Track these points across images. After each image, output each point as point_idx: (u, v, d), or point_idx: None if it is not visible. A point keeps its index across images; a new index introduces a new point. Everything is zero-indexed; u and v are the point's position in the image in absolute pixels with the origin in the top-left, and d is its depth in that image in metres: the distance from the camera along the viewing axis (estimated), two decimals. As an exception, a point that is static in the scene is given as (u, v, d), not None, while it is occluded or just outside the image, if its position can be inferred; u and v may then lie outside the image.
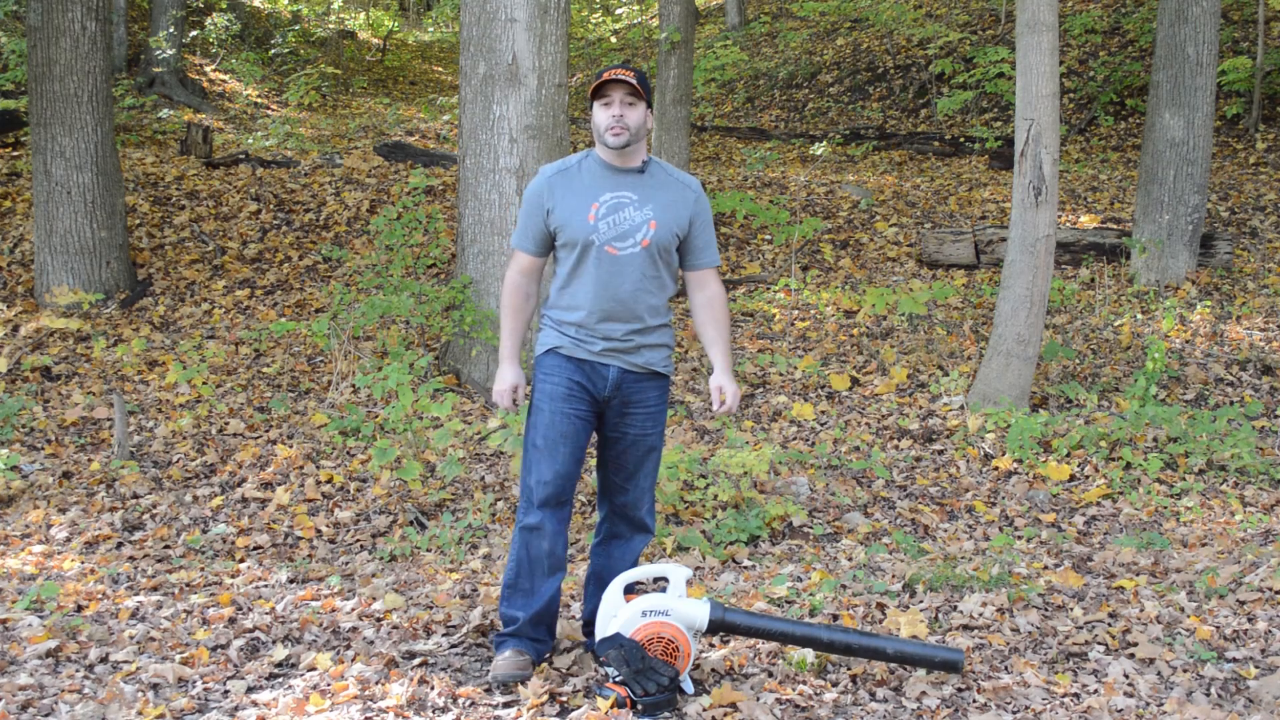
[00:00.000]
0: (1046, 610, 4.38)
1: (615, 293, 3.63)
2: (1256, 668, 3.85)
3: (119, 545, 5.37)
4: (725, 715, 3.46)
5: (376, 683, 3.65)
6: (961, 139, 14.46)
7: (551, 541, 3.68)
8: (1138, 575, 4.83)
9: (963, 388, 7.30)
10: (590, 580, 3.92)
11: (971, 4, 17.59)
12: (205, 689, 3.66)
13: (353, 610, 4.36)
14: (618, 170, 3.68)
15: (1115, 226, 10.30)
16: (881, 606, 4.41)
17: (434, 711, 3.49)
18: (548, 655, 3.81)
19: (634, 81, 3.59)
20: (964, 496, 6.15)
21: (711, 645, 4.00)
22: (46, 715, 3.45)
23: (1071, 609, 4.39)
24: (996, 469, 6.46)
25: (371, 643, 4.01)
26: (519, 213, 3.80)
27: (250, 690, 3.65)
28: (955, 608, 4.37)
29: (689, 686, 3.59)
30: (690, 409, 7.20)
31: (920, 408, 7.24)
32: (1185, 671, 3.83)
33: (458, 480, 6.04)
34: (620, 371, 3.67)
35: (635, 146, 3.66)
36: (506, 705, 3.52)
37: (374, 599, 4.49)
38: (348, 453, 6.41)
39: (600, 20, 21.91)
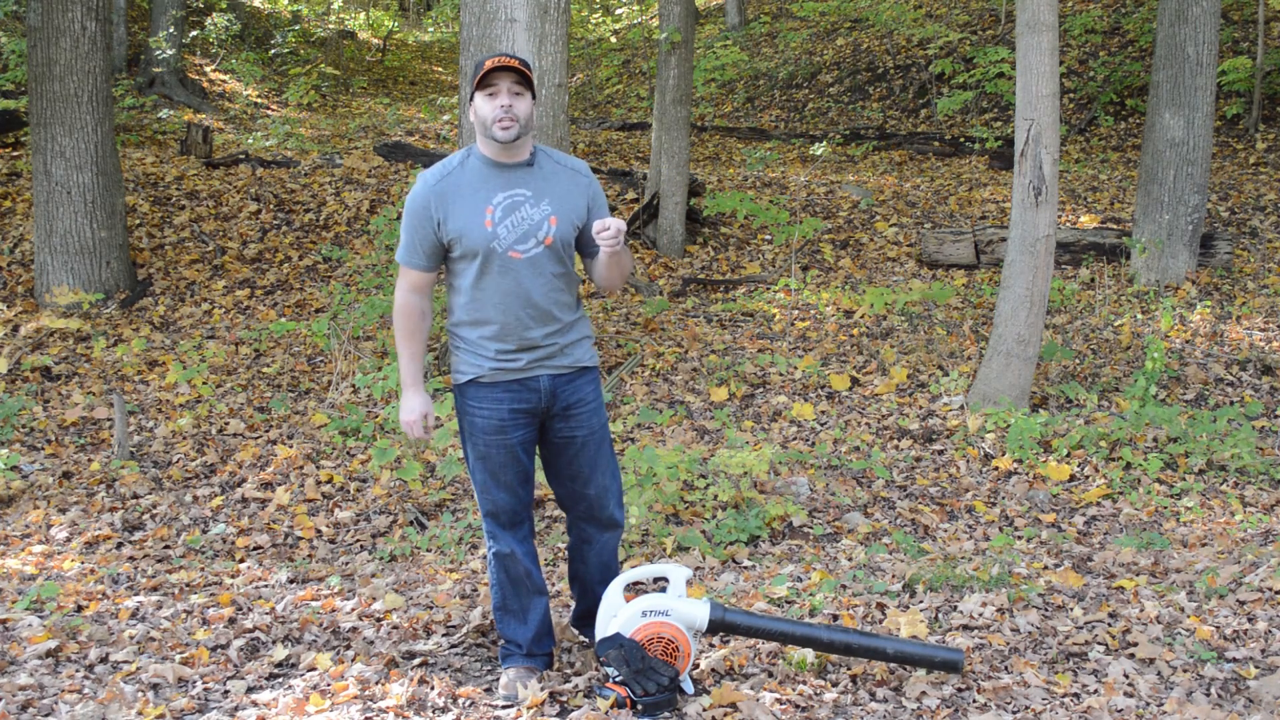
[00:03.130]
0: (1046, 610, 4.38)
1: (527, 298, 3.40)
2: (1256, 668, 3.85)
3: (119, 545, 5.37)
4: (725, 715, 3.46)
5: (376, 683, 3.65)
6: (961, 139, 14.47)
7: (525, 564, 3.61)
8: (1138, 575, 4.83)
9: (963, 388, 7.30)
10: (573, 583, 3.89)
11: (971, 4, 17.59)
12: (205, 689, 3.66)
13: (353, 610, 4.36)
14: (505, 167, 3.42)
15: (1115, 226, 10.30)
16: (881, 606, 4.41)
17: (434, 711, 3.49)
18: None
19: (521, 68, 3.34)
20: (964, 496, 6.15)
21: (711, 645, 4.00)
22: (46, 715, 3.45)
23: (1071, 609, 4.38)
24: (996, 469, 6.46)
25: (371, 643, 4.01)
26: (402, 226, 3.49)
27: (250, 690, 3.65)
28: (955, 608, 4.37)
29: (689, 686, 3.59)
30: (690, 409, 7.20)
31: (920, 408, 7.24)
32: (1185, 671, 3.83)
33: (457, 480, 6.04)
34: (551, 378, 3.50)
35: (523, 139, 3.41)
36: (506, 705, 3.52)
37: (374, 599, 4.49)
38: (348, 453, 6.41)
39: (600, 20, 21.91)
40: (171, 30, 14.99)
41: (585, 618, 3.88)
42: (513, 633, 3.67)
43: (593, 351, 3.62)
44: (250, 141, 13.50)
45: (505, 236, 3.38)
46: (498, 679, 3.69)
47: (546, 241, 3.41)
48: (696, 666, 3.77)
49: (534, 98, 3.42)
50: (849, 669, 3.80)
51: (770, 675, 3.75)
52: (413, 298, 3.50)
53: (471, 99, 3.39)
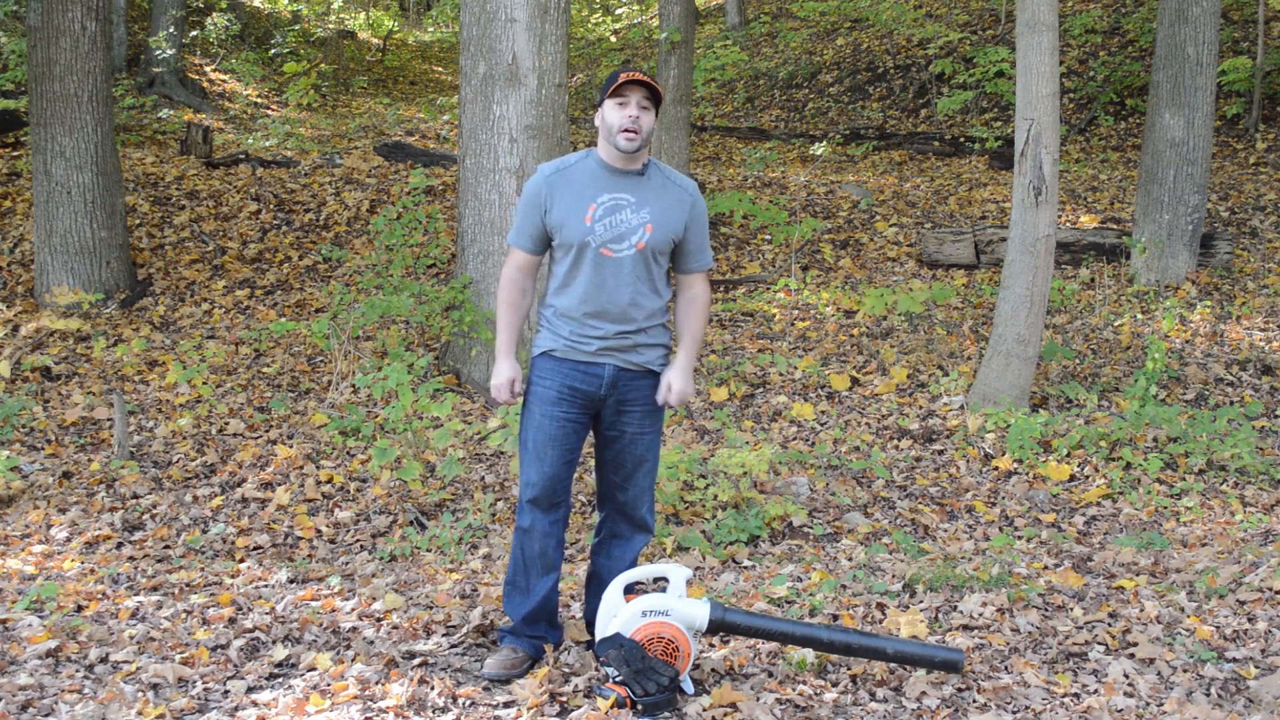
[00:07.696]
0: (1046, 610, 4.38)
1: (610, 294, 3.62)
2: (1256, 668, 3.85)
3: (119, 545, 5.37)
4: (725, 715, 3.46)
5: (376, 683, 3.65)
6: (961, 139, 14.46)
7: (542, 543, 3.73)
8: (1138, 575, 4.83)
9: (963, 388, 7.30)
10: (590, 580, 3.93)
11: (971, 4, 17.59)
12: (205, 689, 3.66)
13: (353, 610, 4.36)
14: (617, 172, 3.66)
15: (1115, 226, 10.30)
16: (881, 606, 4.41)
17: (434, 711, 3.49)
18: (556, 649, 3.81)
19: (654, 85, 3.62)
20: (964, 496, 6.15)
21: (711, 645, 4.00)
22: (46, 715, 3.45)
23: (1071, 609, 4.39)
24: (996, 469, 6.46)
25: (371, 643, 4.01)
26: (516, 210, 3.81)
27: (250, 690, 3.65)
28: (955, 608, 4.37)
29: (689, 686, 3.59)
30: (690, 409, 7.20)
31: (920, 408, 7.24)
32: (1185, 671, 3.83)
33: (458, 480, 6.04)
34: (616, 369, 3.67)
35: (641, 151, 3.66)
36: (506, 705, 3.52)
37: (374, 599, 4.49)
38: (348, 453, 6.41)
39: (600, 20, 21.91)
40: (171, 30, 14.98)
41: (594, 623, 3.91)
42: (513, 609, 3.79)
43: (666, 362, 3.79)
44: (250, 141, 13.49)
45: (601, 234, 3.61)
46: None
47: (638, 246, 3.63)
48: (696, 666, 3.77)
49: (657, 115, 3.67)
50: (849, 669, 3.80)
51: (770, 675, 3.76)
52: (516, 274, 3.78)
53: (601, 104, 3.63)
